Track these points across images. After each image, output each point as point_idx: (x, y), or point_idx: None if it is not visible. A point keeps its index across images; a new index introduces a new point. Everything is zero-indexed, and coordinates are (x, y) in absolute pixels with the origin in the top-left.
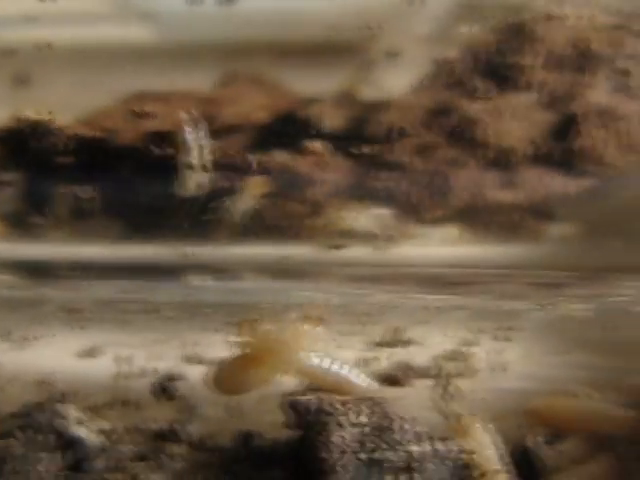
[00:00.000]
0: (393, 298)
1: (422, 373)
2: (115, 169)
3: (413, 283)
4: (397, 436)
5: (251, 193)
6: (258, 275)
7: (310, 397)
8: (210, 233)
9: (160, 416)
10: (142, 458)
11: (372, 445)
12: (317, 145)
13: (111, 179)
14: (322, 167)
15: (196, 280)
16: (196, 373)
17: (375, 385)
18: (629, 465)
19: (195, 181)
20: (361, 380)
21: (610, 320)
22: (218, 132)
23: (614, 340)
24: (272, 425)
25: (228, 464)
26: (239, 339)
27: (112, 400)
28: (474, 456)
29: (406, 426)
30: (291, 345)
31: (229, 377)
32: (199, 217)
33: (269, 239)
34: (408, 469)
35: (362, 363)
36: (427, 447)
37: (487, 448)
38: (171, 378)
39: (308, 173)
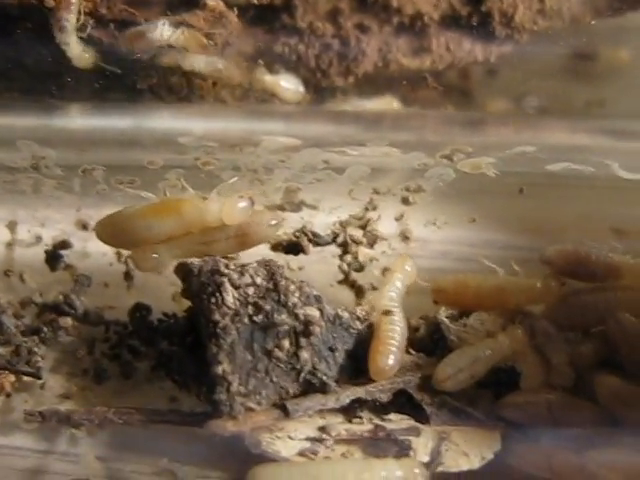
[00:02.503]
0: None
1: (322, 240)
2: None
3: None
4: (292, 299)
5: None
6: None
7: (205, 259)
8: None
9: (50, 287)
10: (32, 332)
11: (268, 308)
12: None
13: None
14: (223, 24)
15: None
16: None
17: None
18: (539, 338)
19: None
20: None
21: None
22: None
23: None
24: (172, 299)
25: (117, 338)
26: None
27: None
28: (384, 290)
29: (304, 290)
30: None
31: (119, 222)
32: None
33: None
34: (302, 332)
35: None
36: (320, 312)
37: (395, 288)
38: (64, 244)
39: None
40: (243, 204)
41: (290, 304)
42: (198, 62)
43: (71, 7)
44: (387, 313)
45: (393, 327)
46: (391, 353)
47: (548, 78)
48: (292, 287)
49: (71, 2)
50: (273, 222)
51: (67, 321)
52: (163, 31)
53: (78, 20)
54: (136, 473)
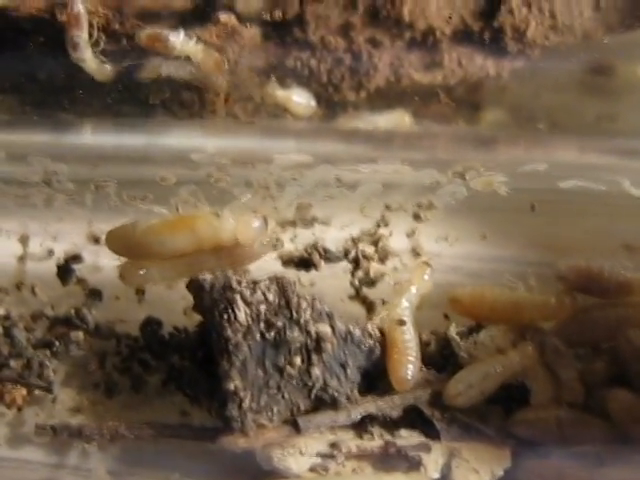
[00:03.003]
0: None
1: (333, 256)
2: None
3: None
4: (304, 316)
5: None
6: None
7: (217, 275)
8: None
9: (62, 301)
10: (43, 345)
11: (279, 325)
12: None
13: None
14: (236, 40)
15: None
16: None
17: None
18: (549, 355)
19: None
20: None
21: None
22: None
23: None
24: (183, 313)
25: (128, 352)
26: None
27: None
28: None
29: (316, 306)
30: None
31: (132, 234)
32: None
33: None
34: (314, 349)
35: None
36: (331, 329)
37: (410, 298)
38: (75, 258)
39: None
40: (257, 223)
41: (302, 321)
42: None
43: (81, 24)
44: (401, 323)
45: (409, 337)
46: (410, 363)
47: (560, 93)
48: (304, 304)
49: (81, 20)
50: (265, 241)
51: (78, 335)
52: (184, 39)
53: (91, 35)
54: None
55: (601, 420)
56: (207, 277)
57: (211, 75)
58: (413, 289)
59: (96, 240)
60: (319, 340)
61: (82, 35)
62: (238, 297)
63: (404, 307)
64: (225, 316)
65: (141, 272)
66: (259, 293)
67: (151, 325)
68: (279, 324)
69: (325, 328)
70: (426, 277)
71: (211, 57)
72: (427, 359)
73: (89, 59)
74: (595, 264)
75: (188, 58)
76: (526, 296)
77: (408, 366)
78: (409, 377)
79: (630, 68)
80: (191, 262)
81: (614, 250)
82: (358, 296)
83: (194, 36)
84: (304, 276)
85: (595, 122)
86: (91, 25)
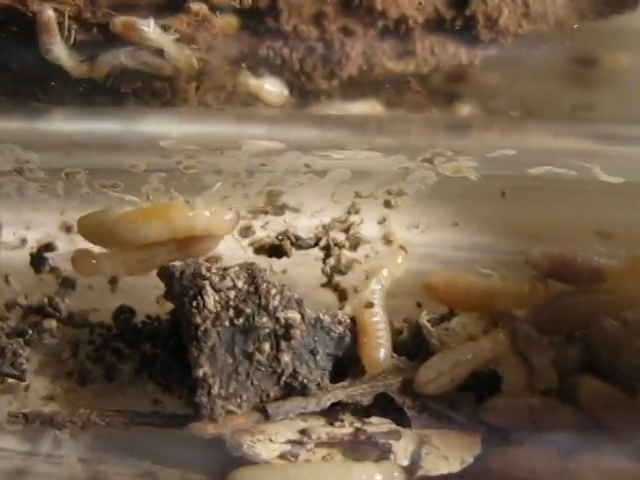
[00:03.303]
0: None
1: (305, 243)
2: None
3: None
4: (273, 303)
5: None
6: None
7: (187, 262)
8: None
9: (35, 290)
10: (17, 334)
11: (249, 311)
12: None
13: None
14: (207, 29)
15: None
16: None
17: None
18: (521, 342)
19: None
20: None
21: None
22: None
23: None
24: (156, 301)
25: (101, 341)
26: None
27: None
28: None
29: (286, 293)
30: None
31: (106, 222)
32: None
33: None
34: (283, 336)
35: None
36: (300, 315)
37: (380, 280)
38: (48, 247)
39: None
40: (230, 216)
41: (271, 307)
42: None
43: (52, 30)
44: (370, 305)
45: (378, 319)
46: (381, 345)
47: (534, 81)
48: (273, 290)
49: (51, 26)
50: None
51: (52, 323)
52: (157, 30)
53: (62, 30)
54: (119, 475)
55: (573, 407)
56: (177, 264)
57: (182, 71)
58: (385, 272)
59: (69, 229)
60: (288, 327)
61: (53, 39)
62: (207, 284)
63: (374, 289)
64: (194, 303)
65: (93, 261)
66: (228, 280)
67: (124, 314)
68: (248, 311)
69: (294, 315)
70: (399, 260)
71: (182, 54)
72: (399, 347)
73: (64, 58)
74: (568, 251)
75: (160, 50)
76: (499, 283)
77: (379, 349)
78: (380, 359)
79: (611, 57)
80: (142, 258)
81: (586, 237)
82: (330, 284)
83: (171, 30)
84: (276, 263)
85: (570, 110)
86: (62, 14)
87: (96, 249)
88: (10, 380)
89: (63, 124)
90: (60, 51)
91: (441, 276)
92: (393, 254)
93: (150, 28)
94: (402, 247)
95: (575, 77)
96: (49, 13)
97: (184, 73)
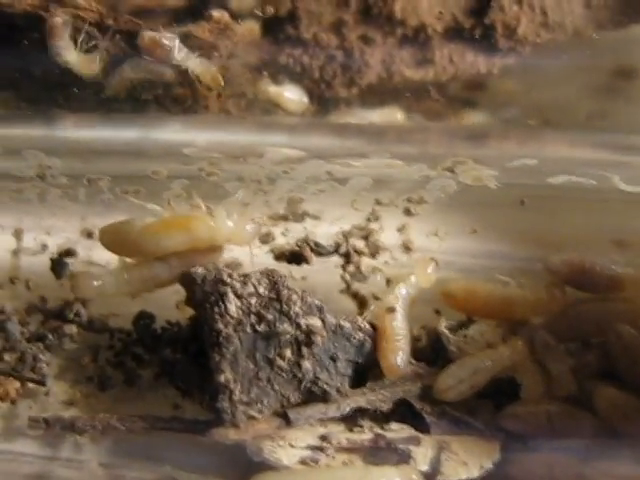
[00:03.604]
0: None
1: (325, 250)
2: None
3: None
4: (294, 309)
5: None
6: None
7: (209, 268)
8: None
9: (55, 295)
10: (37, 339)
11: (270, 317)
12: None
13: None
14: (229, 36)
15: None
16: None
17: None
18: (539, 349)
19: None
20: None
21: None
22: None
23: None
24: (175, 307)
25: (121, 346)
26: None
27: (2, 279)
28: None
29: (307, 300)
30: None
31: (127, 232)
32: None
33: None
34: (304, 342)
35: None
36: (322, 321)
37: (406, 287)
38: (69, 253)
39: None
40: (252, 227)
41: (292, 313)
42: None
43: (60, 34)
44: (391, 310)
45: (399, 324)
46: (400, 349)
47: (551, 90)
48: (294, 297)
49: (58, 30)
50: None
51: (72, 328)
52: (182, 51)
53: (76, 37)
54: None
55: (591, 414)
56: (199, 270)
57: (210, 88)
58: (413, 279)
59: (89, 235)
60: (309, 333)
61: (62, 43)
62: (229, 290)
63: (398, 295)
64: (216, 309)
65: (94, 283)
66: (250, 286)
67: (144, 319)
68: (269, 317)
69: (315, 321)
70: (429, 270)
71: (209, 72)
72: (418, 353)
73: (73, 61)
74: (587, 258)
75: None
76: (517, 291)
77: (398, 353)
78: (399, 363)
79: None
80: (145, 278)
81: (604, 246)
82: (349, 290)
83: (196, 52)
84: (296, 270)
85: (586, 120)
86: (83, 20)
87: (95, 269)
88: (30, 385)
89: (85, 131)
90: (69, 55)
91: (460, 284)
92: (424, 263)
93: (176, 48)
94: (433, 259)
95: (595, 87)
96: (57, 19)
97: (213, 89)
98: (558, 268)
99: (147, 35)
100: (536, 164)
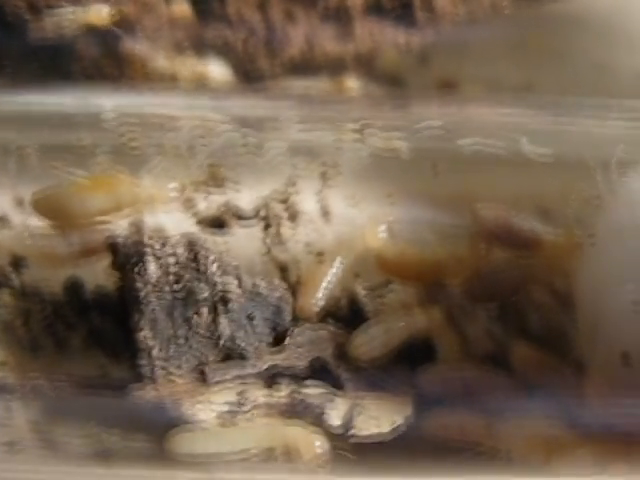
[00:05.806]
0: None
1: (245, 215)
2: None
3: None
4: (211, 269)
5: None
6: None
7: (130, 232)
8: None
9: None
10: None
11: (187, 277)
12: None
13: None
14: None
15: None
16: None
17: None
18: (454, 310)
19: None
20: None
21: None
22: None
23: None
24: (104, 271)
25: (51, 312)
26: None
27: None
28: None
29: (224, 260)
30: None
31: (55, 196)
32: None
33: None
34: (220, 301)
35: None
36: (238, 281)
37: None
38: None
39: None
40: (173, 187)
41: (209, 273)
42: None
43: None
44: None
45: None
46: (319, 293)
47: (475, 63)
48: (211, 257)
49: None
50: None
51: (4, 294)
52: None
53: None
54: (66, 436)
55: (505, 374)
56: (122, 233)
57: None
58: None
59: (21, 203)
60: (224, 291)
61: None
62: (149, 251)
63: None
64: (136, 270)
65: None
66: (169, 247)
67: (73, 284)
68: (187, 276)
69: (231, 280)
70: (379, 231)
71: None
72: (335, 314)
73: None
74: (514, 212)
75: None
76: (443, 252)
77: (316, 294)
78: (314, 303)
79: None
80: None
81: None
82: (270, 254)
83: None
84: (217, 235)
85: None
86: None
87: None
88: None
89: (11, 100)
90: None
91: (392, 248)
92: (375, 223)
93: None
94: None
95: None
96: None
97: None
98: (485, 216)
99: None
100: (444, 127)
